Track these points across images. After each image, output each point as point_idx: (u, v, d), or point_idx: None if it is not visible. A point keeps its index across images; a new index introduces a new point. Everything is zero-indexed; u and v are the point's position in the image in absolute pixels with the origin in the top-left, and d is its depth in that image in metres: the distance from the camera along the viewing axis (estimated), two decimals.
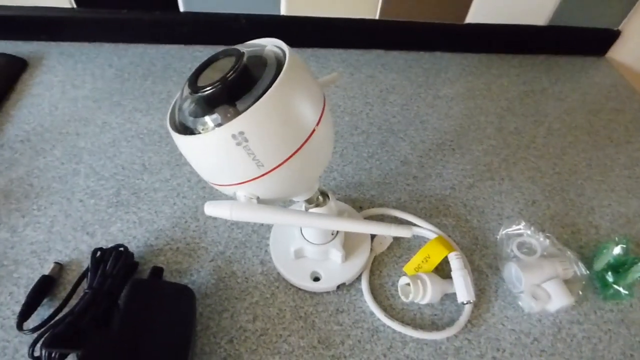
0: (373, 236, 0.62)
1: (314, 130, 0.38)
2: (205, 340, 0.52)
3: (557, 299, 0.56)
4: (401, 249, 0.63)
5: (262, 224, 0.65)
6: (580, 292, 0.61)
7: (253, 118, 0.34)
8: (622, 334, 0.57)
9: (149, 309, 0.47)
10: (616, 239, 0.65)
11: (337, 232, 0.58)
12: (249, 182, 0.38)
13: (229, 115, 0.34)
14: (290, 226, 0.58)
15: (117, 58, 0.91)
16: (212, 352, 0.51)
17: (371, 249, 0.61)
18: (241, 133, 0.34)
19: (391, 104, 0.87)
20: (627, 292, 0.59)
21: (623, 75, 1.01)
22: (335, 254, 0.55)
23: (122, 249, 0.55)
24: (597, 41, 1.04)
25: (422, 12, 0.93)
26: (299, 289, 0.58)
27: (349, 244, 0.61)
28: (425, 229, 0.64)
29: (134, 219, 0.63)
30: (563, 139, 0.86)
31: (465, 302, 0.55)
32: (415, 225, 0.67)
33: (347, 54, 0.99)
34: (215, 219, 0.64)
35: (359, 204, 0.68)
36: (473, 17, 0.96)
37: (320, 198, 0.51)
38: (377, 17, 0.94)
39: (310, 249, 0.56)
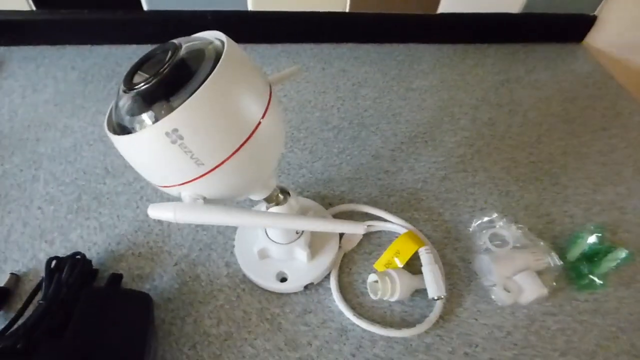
0: (342, 234, 0.60)
1: (258, 125, 0.37)
2: (166, 347, 0.51)
3: (530, 291, 0.55)
4: (372, 245, 0.62)
5: (227, 225, 0.63)
6: (554, 283, 0.60)
7: (186, 114, 0.32)
8: (597, 324, 0.57)
9: (103, 317, 0.46)
10: (591, 227, 0.64)
11: (302, 231, 0.56)
12: (190, 182, 0.37)
13: (163, 112, 0.33)
14: (240, 226, 0.56)
15: (81, 60, 0.89)
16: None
17: (340, 247, 0.60)
18: (175, 130, 0.32)
19: (363, 97, 0.86)
20: (601, 282, 0.59)
21: (600, 61, 1.01)
22: (301, 253, 0.54)
23: (79, 256, 0.53)
24: (573, 27, 1.03)
25: (393, 3, 0.93)
26: (266, 290, 0.56)
27: (316, 242, 0.60)
28: (396, 224, 0.62)
29: (94, 224, 0.62)
30: (539, 127, 0.85)
31: (435, 297, 0.54)
32: (385, 220, 0.66)
33: (318, 48, 0.98)
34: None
35: (329, 201, 0.66)
36: (446, 6, 0.95)
37: (281, 196, 0.50)
38: (347, 10, 0.93)
39: (275, 248, 0.55)
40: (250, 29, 0.92)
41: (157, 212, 0.37)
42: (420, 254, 0.57)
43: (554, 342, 0.55)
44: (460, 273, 0.60)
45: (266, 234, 0.56)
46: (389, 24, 0.97)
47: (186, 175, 0.37)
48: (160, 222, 0.62)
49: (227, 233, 0.62)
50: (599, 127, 0.85)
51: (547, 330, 0.56)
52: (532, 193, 0.72)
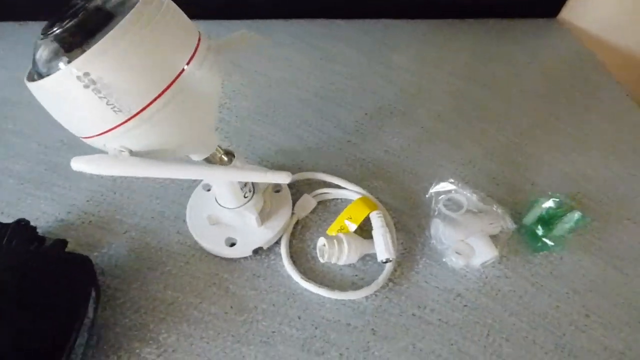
0: (295, 200, 0.61)
1: (181, 72, 0.37)
2: (109, 312, 0.52)
3: (481, 253, 0.56)
4: (327, 212, 0.63)
5: (183, 192, 0.66)
6: (508, 247, 0.62)
7: (97, 57, 0.33)
8: (549, 286, 0.57)
9: (39, 279, 0.46)
10: (549, 193, 0.65)
11: (252, 195, 0.58)
12: (110, 131, 0.37)
13: (76, 56, 0.33)
14: (166, 177, 0.56)
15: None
16: (116, 324, 0.51)
17: (293, 213, 0.60)
18: (87, 74, 0.33)
19: (333, 72, 0.87)
20: (553, 244, 0.61)
21: (574, 36, 1.02)
22: (250, 217, 0.55)
23: (23, 223, 0.53)
24: (547, 2, 1.03)
25: None
26: (216, 256, 0.57)
27: (268, 208, 0.61)
28: (352, 191, 0.63)
29: (46, 195, 0.63)
30: (511, 101, 0.87)
31: (384, 260, 0.55)
32: (341, 187, 0.67)
33: (289, 24, 0.99)
34: (133, 190, 0.66)
35: (288, 169, 0.66)
36: None
37: (225, 158, 0.51)
38: None
39: (225, 214, 0.56)
40: (222, 5, 0.92)
41: (80, 164, 0.37)
42: (371, 218, 0.57)
43: (505, 303, 0.55)
44: (415, 238, 0.61)
45: (216, 200, 0.57)
46: (365, 0, 0.96)
47: (105, 123, 0.37)
48: (113, 191, 0.63)
49: (182, 201, 0.63)
50: (571, 101, 0.86)
51: (498, 292, 0.56)
52: (497, 163, 0.72)
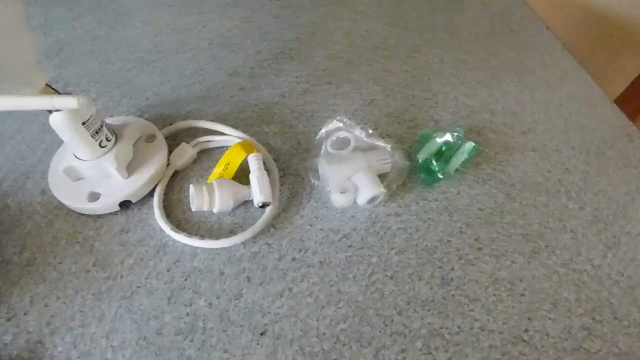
0: (170, 150, 0.57)
1: None
2: None
3: (365, 190, 0.53)
4: (210, 161, 0.60)
5: (52, 152, 0.62)
6: (403, 184, 0.61)
7: None
8: (442, 222, 0.55)
9: None
10: (448, 127, 0.64)
11: (113, 145, 0.55)
12: None
13: None
14: None
15: None
16: None
17: (169, 163, 0.56)
18: None
19: (230, 18, 0.83)
20: (441, 177, 0.61)
21: None
22: (110, 169, 0.50)
23: None
24: None
25: None
26: (82, 214, 0.52)
27: (139, 158, 0.58)
28: (234, 137, 0.59)
29: None
30: (418, 38, 0.84)
31: (260, 204, 0.51)
32: (224, 134, 0.64)
33: None
34: None
35: (171, 121, 0.63)
36: None
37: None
38: None
39: (83, 166, 0.52)
40: None
41: None
42: (249, 161, 0.54)
43: (392, 241, 0.53)
44: (303, 182, 0.58)
45: (74, 154, 0.53)
46: None
47: None
48: None
49: (49, 162, 0.59)
50: (483, 34, 0.83)
51: (387, 230, 0.54)
52: (399, 101, 0.69)
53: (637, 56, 1.19)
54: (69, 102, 0.36)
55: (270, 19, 0.82)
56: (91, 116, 0.48)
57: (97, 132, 0.49)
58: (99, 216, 0.53)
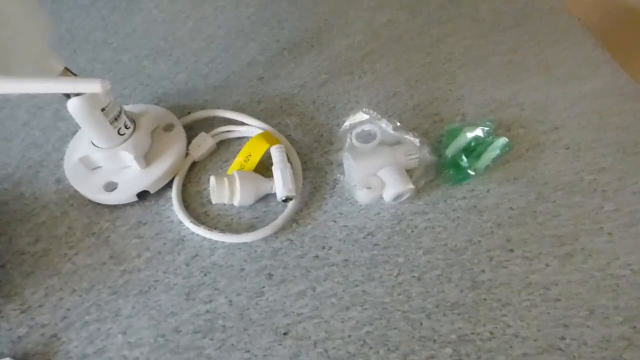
0: (189, 140, 0.55)
1: None
2: None
3: (393, 187, 0.51)
4: (229, 152, 0.58)
5: (67, 139, 0.60)
6: (430, 181, 0.58)
7: None
8: (471, 221, 0.53)
9: None
10: (478, 122, 0.61)
11: (131, 133, 0.54)
12: None
13: None
14: None
15: None
16: None
17: (188, 153, 0.54)
18: None
19: (246, 5, 0.80)
20: (477, 175, 0.58)
21: None
22: (128, 158, 0.48)
23: None
24: None
25: None
26: (98, 204, 0.51)
27: (157, 148, 0.56)
28: (255, 127, 0.57)
29: None
30: (442, 28, 0.81)
31: (283, 198, 0.49)
32: (244, 124, 0.62)
33: None
34: (7, 140, 0.60)
35: (189, 110, 0.61)
36: None
37: None
38: None
39: (100, 155, 0.50)
40: None
41: None
42: (271, 152, 0.52)
43: (419, 240, 0.51)
44: (326, 176, 0.56)
45: (92, 141, 0.52)
46: None
47: None
48: None
49: (64, 149, 0.58)
50: (510, 25, 0.80)
51: (414, 228, 0.52)
52: (423, 94, 0.67)
53: None
54: (93, 85, 0.34)
55: (287, 7, 0.80)
56: (110, 102, 0.46)
57: (116, 119, 0.48)
58: (115, 207, 0.52)
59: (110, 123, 0.47)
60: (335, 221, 0.52)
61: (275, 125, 0.60)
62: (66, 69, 0.43)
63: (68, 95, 0.44)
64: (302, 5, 0.81)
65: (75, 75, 0.44)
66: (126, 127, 0.49)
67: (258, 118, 0.61)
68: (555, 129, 0.62)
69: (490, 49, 0.73)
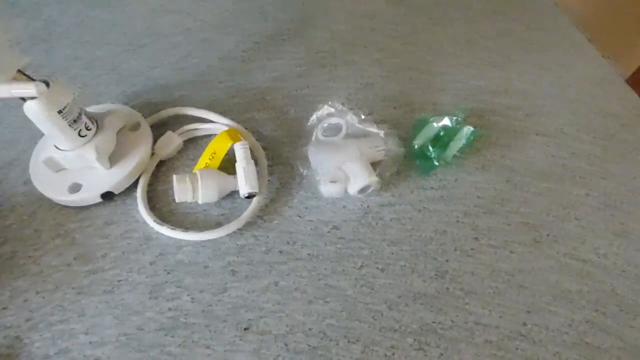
0: (155, 139, 0.55)
1: None
2: None
3: (356, 179, 0.52)
4: (197, 150, 0.59)
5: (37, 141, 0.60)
6: (395, 172, 0.59)
7: None
8: (438, 211, 0.53)
9: None
10: (448, 112, 0.62)
11: (93, 134, 0.54)
12: None
13: None
14: None
15: None
16: None
17: (153, 153, 0.55)
18: None
19: None
20: (437, 164, 0.59)
21: None
22: (91, 159, 0.49)
23: None
24: None
25: None
26: (65, 206, 0.52)
27: (122, 148, 0.57)
28: (222, 124, 0.58)
29: None
30: (424, 16, 0.81)
31: (246, 195, 0.50)
32: (212, 122, 0.63)
33: None
34: None
35: (160, 107, 0.61)
36: None
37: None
38: None
39: (62, 156, 0.51)
40: None
41: None
42: (235, 150, 0.52)
43: (385, 232, 0.52)
44: (293, 171, 0.56)
45: (54, 144, 0.52)
46: None
47: None
48: None
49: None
50: (495, 12, 0.80)
51: (379, 220, 0.53)
52: (398, 84, 0.68)
53: None
54: (28, 90, 0.35)
55: None
56: (67, 104, 0.47)
57: (75, 121, 0.48)
58: (82, 208, 0.52)
59: (70, 125, 0.48)
60: (300, 216, 0.53)
61: (245, 120, 0.60)
62: (19, 71, 0.43)
63: (24, 99, 0.44)
64: None
65: (28, 77, 0.44)
66: (87, 129, 0.50)
67: (228, 114, 0.62)
68: (530, 116, 0.62)
69: (471, 37, 0.74)
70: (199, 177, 0.50)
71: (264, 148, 0.58)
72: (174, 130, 0.58)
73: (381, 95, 0.65)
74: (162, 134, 0.58)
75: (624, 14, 1.08)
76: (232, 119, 0.62)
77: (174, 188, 0.50)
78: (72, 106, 0.47)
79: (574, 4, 0.88)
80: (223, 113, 0.62)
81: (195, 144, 0.59)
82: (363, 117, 0.56)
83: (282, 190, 0.55)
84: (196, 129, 0.59)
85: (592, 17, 0.85)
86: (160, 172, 0.56)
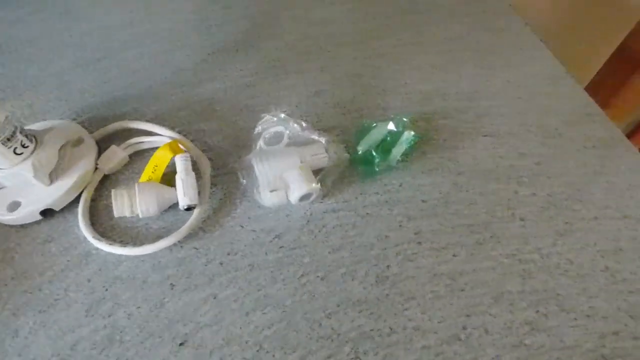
0: (99, 154, 0.55)
1: None
2: None
3: (296, 187, 0.51)
4: (142, 163, 0.58)
5: None
6: (336, 178, 0.58)
7: None
8: (381, 216, 0.53)
9: None
10: (392, 116, 0.62)
11: (31, 152, 0.54)
12: None
13: None
14: None
15: None
16: None
17: (97, 168, 0.55)
18: None
19: (176, 11, 0.81)
20: (377, 169, 0.59)
21: None
22: (28, 176, 0.49)
23: None
24: None
25: None
26: (5, 225, 0.51)
27: (64, 164, 0.57)
28: (166, 137, 0.57)
29: None
30: (377, 23, 0.82)
31: (185, 207, 0.50)
32: (157, 135, 0.63)
33: None
34: None
35: (108, 123, 0.61)
36: None
37: None
38: None
39: (1, 175, 0.49)
40: None
41: None
42: (176, 162, 0.52)
43: (327, 239, 0.51)
44: (238, 182, 0.55)
45: None
46: None
47: None
48: None
49: None
50: (447, 15, 0.80)
51: (322, 228, 0.52)
52: (347, 91, 0.67)
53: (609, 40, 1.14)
54: None
55: (219, 11, 0.80)
56: (0, 122, 0.46)
57: (9, 140, 0.48)
58: (22, 226, 0.52)
59: (3, 143, 0.47)
60: (242, 226, 0.52)
61: (192, 132, 0.60)
62: None
63: None
64: (235, 9, 0.82)
65: None
66: (24, 146, 0.50)
67: (176, 127, 0.63)
68: (478, 118, 0.62)
69: (422, 41, 0.74)
70: (136, 191, 0.49)
71: (210, 159, 0.57)
72: (119, 145, 0.57)
73: (331, 102, 0.65)
74: (108, 148, 0.56)
75: (582, 19, 1.09)
76: (180, 131, 0.62)
77: (112, 203, 0.50)
78: (4, 125, 0.47)
79: (530, 5, 0.88)
80: (172, 125, 0.63)
81: (141, 157, 0.59)
82: (304, 124, 0.55)
83: (225, 200, 0.55)
84: (141, 142, 0.58)
85: (549, 20, 0.85)
86: (104, 187, 0.56)
